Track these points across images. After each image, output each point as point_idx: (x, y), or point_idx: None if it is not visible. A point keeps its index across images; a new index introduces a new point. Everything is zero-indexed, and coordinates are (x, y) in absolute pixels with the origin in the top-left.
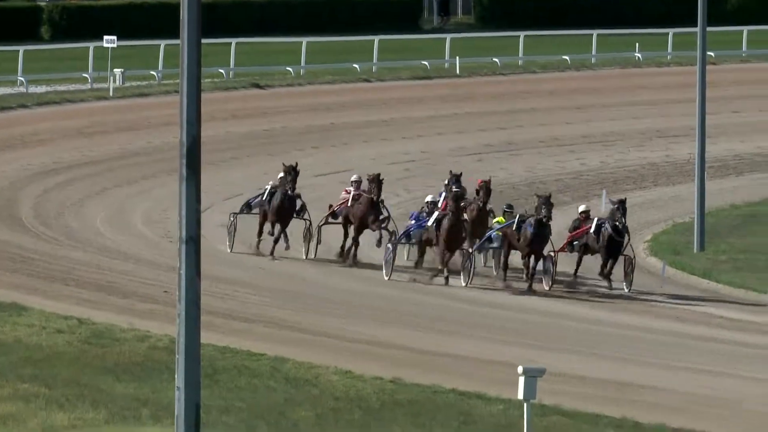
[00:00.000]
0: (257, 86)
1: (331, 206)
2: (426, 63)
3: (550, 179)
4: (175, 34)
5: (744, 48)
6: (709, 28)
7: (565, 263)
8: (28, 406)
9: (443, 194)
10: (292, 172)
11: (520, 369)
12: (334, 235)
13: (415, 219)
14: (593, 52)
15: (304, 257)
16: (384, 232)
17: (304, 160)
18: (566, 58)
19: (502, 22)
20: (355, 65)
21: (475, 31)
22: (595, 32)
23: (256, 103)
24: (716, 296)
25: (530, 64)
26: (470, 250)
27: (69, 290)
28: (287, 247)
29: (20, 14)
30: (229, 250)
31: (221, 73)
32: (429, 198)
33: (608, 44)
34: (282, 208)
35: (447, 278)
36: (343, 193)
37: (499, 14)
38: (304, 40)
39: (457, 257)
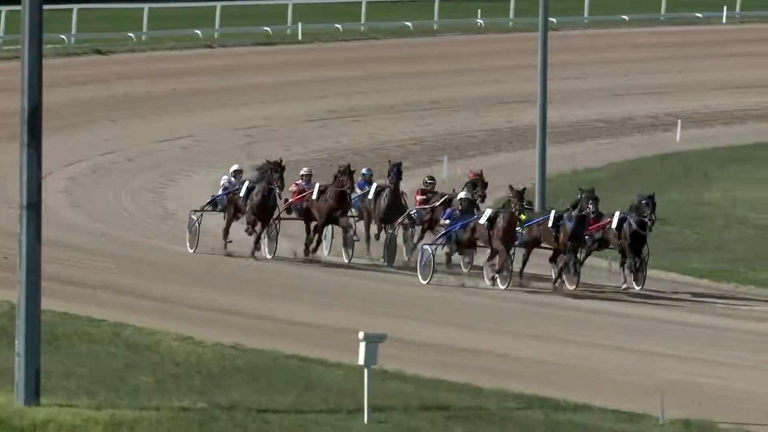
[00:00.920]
0: (99, 52)
1: (287, 200)
2: (268, 29)
3: (392, 145)
4: None
5: (586, 14)
6: None
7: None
8: None
9: (435, 191)
10: (278, 169)
11: (361, 335)
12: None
13: (448, 218)
14: (435, 18)
15: (270, 257)
16: (348, 226)
17: (145, 126)
18: (408, 24)
19: None
20: (197, 31)
21: None
22: None
23: (97, 69)
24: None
25: (373, 30)
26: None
27: None
28: (254, 251)
29: None
30: (191, 251)
31: (63, 39)
32: (462, 194)
33: (450, 11)
34: (264, 205)
35: (494, 278)
36: (293, 186)
37: None
38: (146, 6)
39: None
